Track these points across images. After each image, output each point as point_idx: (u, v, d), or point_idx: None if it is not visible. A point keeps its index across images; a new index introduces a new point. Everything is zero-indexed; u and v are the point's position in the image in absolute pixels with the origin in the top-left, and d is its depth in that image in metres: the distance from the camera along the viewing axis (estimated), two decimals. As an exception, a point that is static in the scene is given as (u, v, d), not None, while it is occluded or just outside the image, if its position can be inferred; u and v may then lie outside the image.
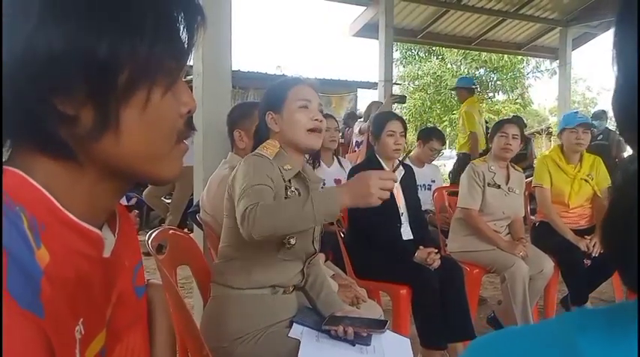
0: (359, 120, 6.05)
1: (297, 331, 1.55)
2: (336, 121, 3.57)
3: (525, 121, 9.07)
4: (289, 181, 1.61)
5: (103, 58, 0.50)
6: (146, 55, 0.52)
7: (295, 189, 1.63)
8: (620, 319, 0.35)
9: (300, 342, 1.50)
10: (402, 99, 5.74)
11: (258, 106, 1.75)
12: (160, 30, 0.53)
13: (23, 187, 0.50)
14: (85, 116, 0.51)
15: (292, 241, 1.59)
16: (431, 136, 3.87)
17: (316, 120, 1.63)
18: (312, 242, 1.70)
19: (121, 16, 0.51)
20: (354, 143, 5.69)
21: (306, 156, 1.75)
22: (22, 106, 0.50)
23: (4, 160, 0.54)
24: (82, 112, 0.51)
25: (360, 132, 5.25)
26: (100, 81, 0.51)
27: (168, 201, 5.48)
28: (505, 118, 6.67)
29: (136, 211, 5.41)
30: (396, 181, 1.47)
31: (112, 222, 0.63)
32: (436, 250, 2.57)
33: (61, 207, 0.52)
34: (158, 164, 0.58)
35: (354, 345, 1.54)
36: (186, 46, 0.56)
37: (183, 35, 0.55)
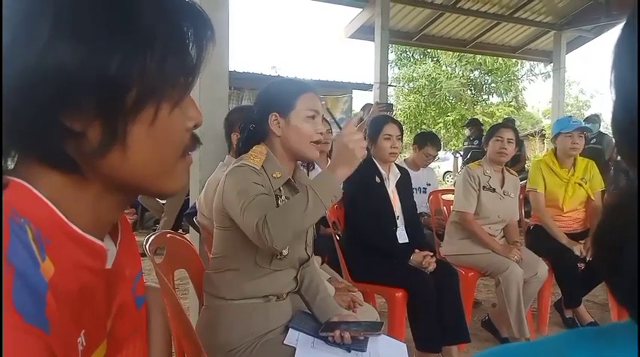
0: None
1: (292, 337, 1.54)
2: (329, 123, 3.57)
3: (518, 123, 9.12)
4: (279, 189, 1.58)
5: (113, 75, 0.50)
6: (156, 72, 0.52)
7: (286, 198, 1.59)
8: (610, 337, 0.37)
9: (295, 349, 1.49)
10: (388, 107, 5.79)
11: (257, 103, 1.69)
12: (170, 46, 0.53)
13: (28, 200, 0.50)
14: (93, 132, 0.51)
15: (284, 252, 1.56)
16: (426, 142, 3.88)
17: (321, 133, 1.61)
18: (305, 249, 1.68)
19: (131, 34, 0.51)
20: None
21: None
22: (30, 121, 0.50)
23: (9, 169, 0.53)
24: (89, 128, 0.51)
25: None
26: (109, 98, 0.50)
27: (163, 202, 5.47)
28: (500, 122, 6.71)
29: (135, 213, 5.38)
30: (361, 123, 1.51)
31: (114, 232, 0.63)
32: (431, 254, 2.58)
33: (65, 219, 0.52)
34: (164, 178, 0.58)
35: (349, 351, 1.53)
36: (195, 61, 0.55)
37: (193, 51, 0.55)
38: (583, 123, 3.42)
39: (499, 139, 3.02)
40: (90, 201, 0.55)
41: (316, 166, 3.38)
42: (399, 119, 5.72)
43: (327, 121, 3.55)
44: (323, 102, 1.67)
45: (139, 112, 0.52)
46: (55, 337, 0.45)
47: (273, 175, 1.57)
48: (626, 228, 0.34)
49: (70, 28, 0.49)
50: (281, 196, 1.58)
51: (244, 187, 1.49)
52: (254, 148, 1.60)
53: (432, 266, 2.51)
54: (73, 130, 0.51)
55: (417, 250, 2.58)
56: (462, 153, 8.90)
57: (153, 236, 1.54)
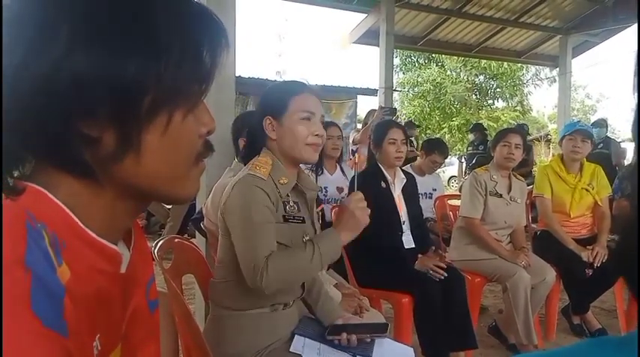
0: (356, 128, 6.09)
1: (298, 344, 1.53)
2: (340, 129, 3.57)
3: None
4: (287, 195, 1.57)
5: (128, 82, 0.50)
6: (171, 79, 0.52)
7: (294, 203, 1.59)
8: (632, 347, 0.36)
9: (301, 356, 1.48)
10: (392, 111, 5.79)
11: (257, 107, 1.67)
12: (185, 54, 0.53)
13: (45, 205, 0.51)
14: (108, 138, 0.52)
15: None
16: (433, 150, 3.88)
17: (317, 135, 1.56)
18: None
19: (147, 41, 0.51)
20: (349, 151, 5.76)
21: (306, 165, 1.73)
22: (47, 127, 0.50)
23: (26, 174, 0.54)
24: (104, 134, 0.52)
25: (354, 142, 5.28)
26: (125, 104, 0.51)
27: (169, 207, 5.48)
28: (508, 126, 6.69)
29: (144, 217, 5.41)
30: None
31: (127, 237, 0.64)
32: (441, 263, 2.54)
33: (81, 224, 0.52)
34: (177, 184, 0.58)
35: (355, 356, 1.53)
36: (209, 68, 0.56)
37: (207, 58, 0.55)
38: (590, 128, 3.41)
39: (506, 144, 3.01)
40: (105, 206, 0.56)
41: (325, 171, 3.39)
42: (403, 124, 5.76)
43: (338, 127, 3.56)
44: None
45: (153, 118, 0.53)
46: (72, 341, 0.45)
47: (280, 181, 1.55)
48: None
49: (87, 36, 0.49)
50: (289, 203, 1.57)
51: (249, 213, 1.48)
52: (259, 158, 1.57)
53: (440, 275, 2.49)
54: (89, 135, 0.51)
55: (429, 254, 2.57)
56: (466, 158, 8.89)
57: (161, 241, 1.54)
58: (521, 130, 4.90)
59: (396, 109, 6.39)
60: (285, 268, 1.45)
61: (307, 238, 1.60)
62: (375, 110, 5.63)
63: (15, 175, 0.51)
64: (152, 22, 0.52)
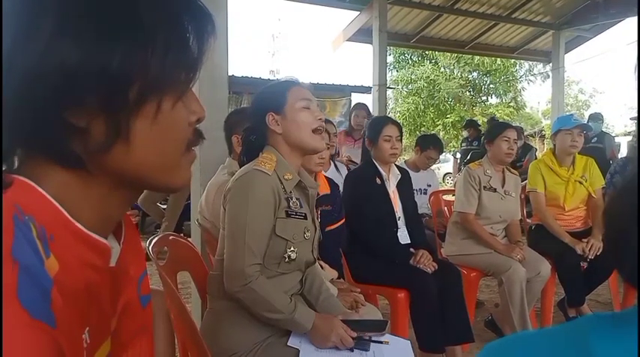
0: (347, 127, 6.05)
1: (296, 339, 1.54)
2: (335, 126, 3.57)
3: (517, 124, 9.06)
4: (290, 191, 1.59)
5: (115, 71, 0.50)
6: (157, 67, 0.52)
7: (297, 199, 1.61)
8: (629, 321, 0.36)
9: (298, 351, 1.49)
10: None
11: (252, 112, 1.71)
12: (171, 41, 0.53)
13: (32, 197, 0.50)
14: (96, 128, 0.52)
15: (293, 256, 1.57)
16: (429, 145, 3.88)
17: (320, 119, 1.63)
18: (312, 251, 1.68)
19: (133, 29, 0.51)
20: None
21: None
22: (34, 118, 0.50)
23: (13, 168, 0.53)
24: (93, 124, 0.51)
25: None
26: (112, 93, 0.51)
27: (164, 207, 5.46)
28: (504, 121, 6.66)
29: (137, 214, 5.39)
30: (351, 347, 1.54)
31: (118, 231, 0.63)
32: (427, 253, 2.56)
33: (69, 217, 0.52)
34: (168, 173, 0.58)
35: (352, 351, 1.53)
36: (196, 55, 0.56)
37: (194, 45, 0.55)
38: (584, 121, 3.42)
39: (506, 139, 3.00)
40: (95, 198, 0.55)
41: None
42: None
43: (333, 124, 3.56)
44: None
45: (142, 106, 0.52)
46: (61, 332, 0.45)
47: (285, 177, 1.58)
48: (629, 212, 0.35)
49: (72, 25, 0.49)
50: (292, 198, 1.59)
51: (245, 212, 1.50)
52: (263, 155, 1.60)
53: (431, 267, 2.50)
54: (77, 125, 0.51)
55: (411, 250, 2.58)
56: (460, 154, 8.87)
57: (156, 238, 1.54)
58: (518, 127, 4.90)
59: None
60: (264, 294, 1.49)
61: (308, 234, 1.62)
62: (360, 104, 5.58)
63: (3, 168, 0.51)
64: (136, 10, 0.51)
